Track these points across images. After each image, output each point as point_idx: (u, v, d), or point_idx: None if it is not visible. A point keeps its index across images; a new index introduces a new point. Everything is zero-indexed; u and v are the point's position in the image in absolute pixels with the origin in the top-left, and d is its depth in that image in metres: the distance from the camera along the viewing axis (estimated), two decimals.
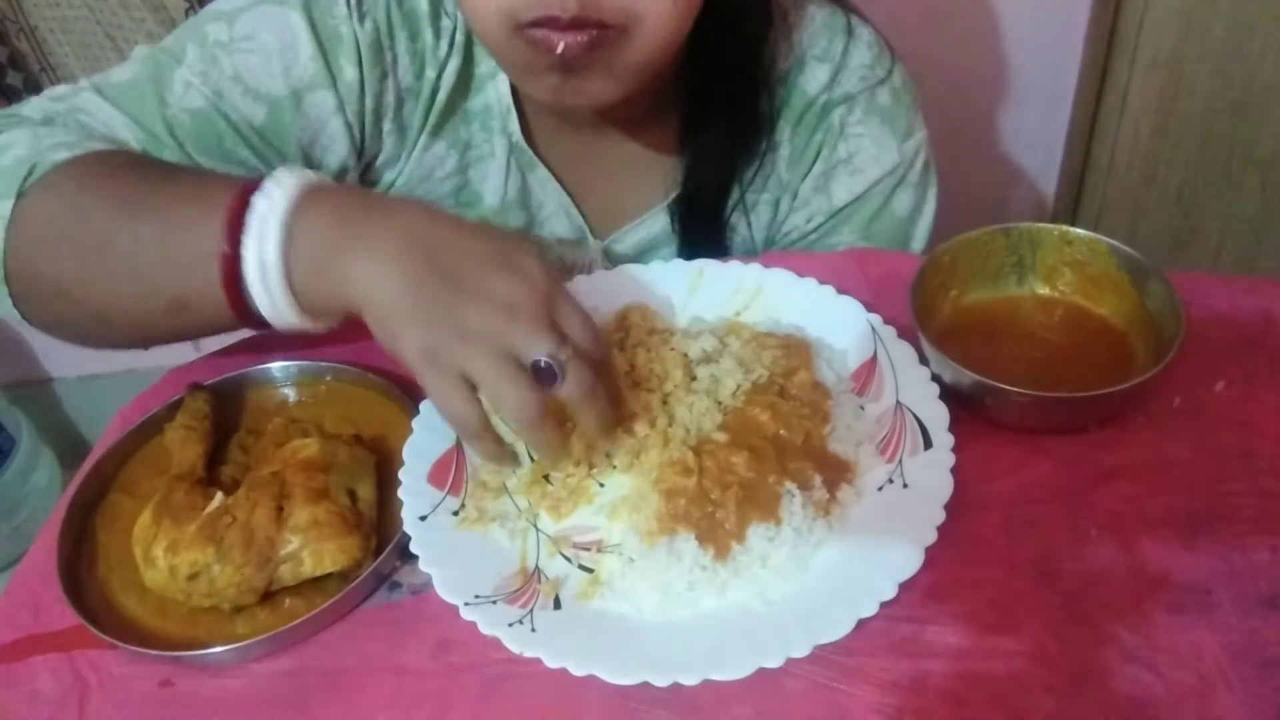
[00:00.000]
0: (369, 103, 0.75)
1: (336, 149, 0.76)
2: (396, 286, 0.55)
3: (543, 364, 0.54)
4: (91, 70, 1.35)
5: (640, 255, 0.86)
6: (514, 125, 0.79)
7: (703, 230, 0.83)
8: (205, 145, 0.72)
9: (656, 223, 0.84)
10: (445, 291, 0.55)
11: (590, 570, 0.59)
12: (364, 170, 0.80)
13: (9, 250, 0.63)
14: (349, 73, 0.73)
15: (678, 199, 0.82)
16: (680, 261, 0.77)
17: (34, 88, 1.37)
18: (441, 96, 0.77)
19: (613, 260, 0.86)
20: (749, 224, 0.85)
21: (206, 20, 0.73)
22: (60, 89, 0.72)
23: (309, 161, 0.76)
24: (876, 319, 0.69)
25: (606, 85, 0.67)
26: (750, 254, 0.85)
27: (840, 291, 0.71)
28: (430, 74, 0.77)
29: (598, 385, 0.57)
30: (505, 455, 0.61)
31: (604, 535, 0.60)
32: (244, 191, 0.58)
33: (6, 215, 0.62)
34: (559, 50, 0.62)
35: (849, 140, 0.81)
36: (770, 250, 0.87)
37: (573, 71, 0.65)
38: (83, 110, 0.71)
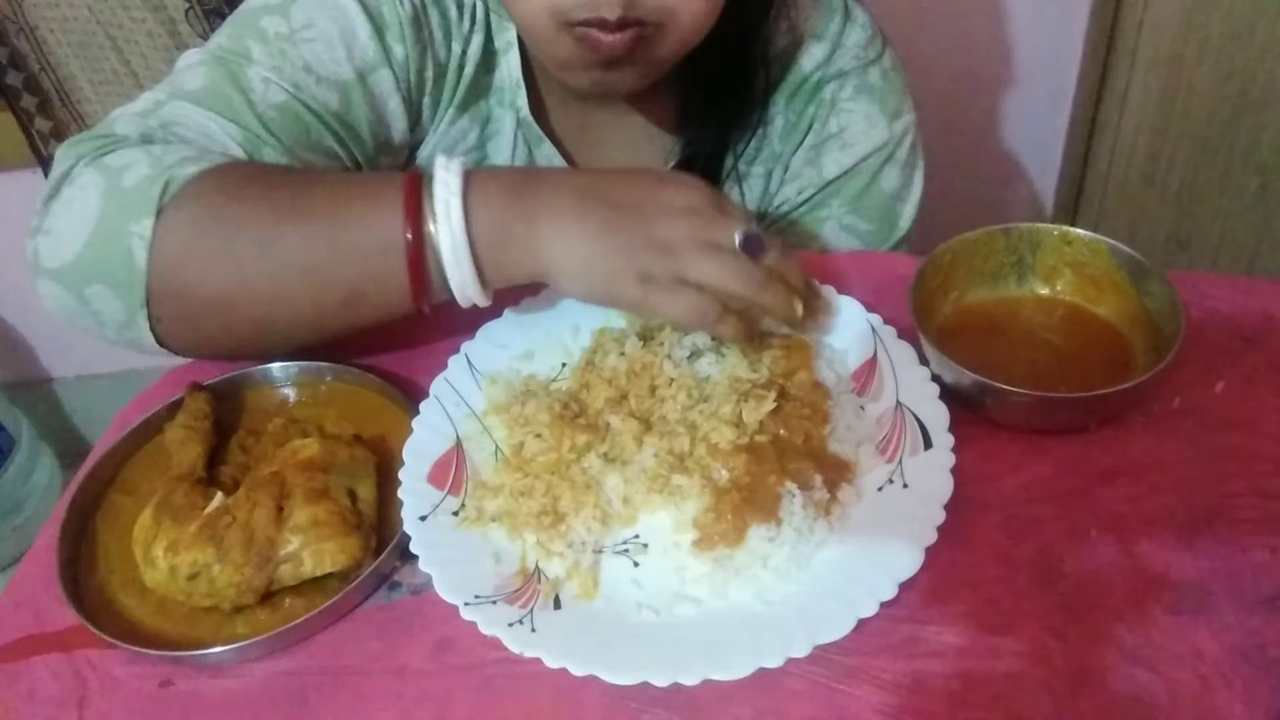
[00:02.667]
0: (413, 79, 0.77)
1: (398, 125, 0.79)
2: (588, 235, 0.60)
3: (743, 240, 0.60)
4: (91, 70, 1.37)
5: None
6: (521, 100, 0.81)
7: None
8: (297, 138, 0.72)
9: None
10: (630, 219, 0.60)
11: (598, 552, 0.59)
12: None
13: (152, 269, 0.62)
14: (398, 50, 0.75)
15: (676, 167, 0.85)
16: None
17: (34, 88, 1.37)
18: (468, 71, 0.80)
19: None
20: (742, 194, 0.87)
21: (258, 16, 0.73)
22: (133, 106, 0.71)
23: (377, 141, 0.78)
24: (876, 319, 0.69)
25: (641, 75, 0.71)
26: None
27: (840, 291, 0.71)
28: (457, 49, 0.79)
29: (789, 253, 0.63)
30: (751, 330, 0.64)
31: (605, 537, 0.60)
32: (411, 181, 0.62)
33: (148, 235, 0.62)
34: (604, 48, 0.66)
35: (840, 115, 0.83)
36: (763, 221, 0.90)
37: (613, 66, 0.68)
38: (175, 122, 0.69)
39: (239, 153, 0.69)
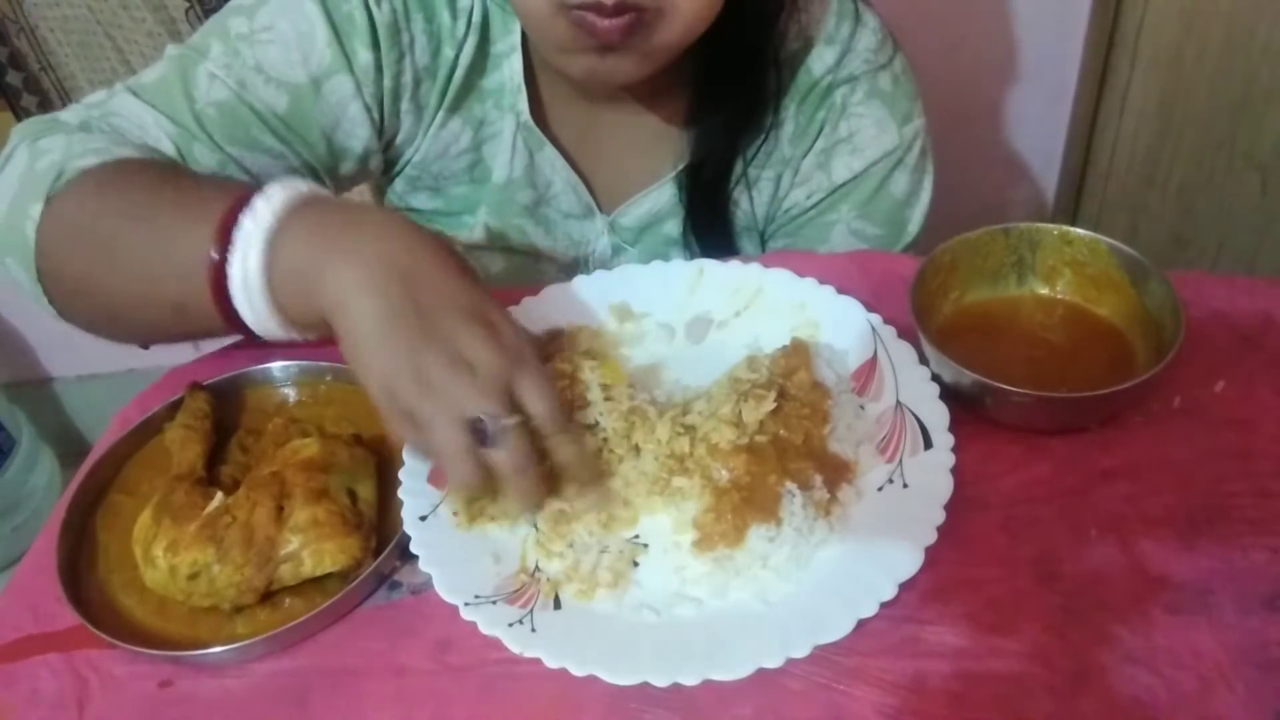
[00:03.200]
0: (387, 84, 0.77)
1: (359, 132, 0.78)
2: (371, 308, 0.55)
3: (481, 424, 0.54)
4: (91, 69, 1.37)
5: (646, 228, 0.88)
6: (522, 105, 0.81)
7: (706, 203, 0.85)
8: (232, 135, 0.74)
9: (663, 194, 0.86)
10: (416, 332, 0.54)
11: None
12: (384, 149, 0.82)
13: (38, 249, 0.66)
14: (363, 56, 0.75)
15: (685, 170, 0.84)
16: (680, 261, 0.77)
17: (34, 87, 1.37)
18: (459, 75, 0.79)
19: (619, 232, 0.88)
20: (751, 199, 0.87)
21: (229, 15, 0.75)
22: (98, 95, 0.75)
23: (332, 147, 0.78)
24: (876, 319, 0.69)
25: (639, 64, 0.70)
26: (752, 228, 0.88)
27: (840, 291, 0.71)
28: (448, 53, 0.79)
29: (530, 466, 0.56)
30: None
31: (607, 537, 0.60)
32: (237, 202, 0.59)
33: (36, 217, 0.66)
34: (600, 33, 0.64)
35: (850, 119, 0.83)
36: (770, 226, 0.89)
37: (610, 52, 0.67)
38: (116, 113, 0.73)
39: (168, 146, 0.72)
